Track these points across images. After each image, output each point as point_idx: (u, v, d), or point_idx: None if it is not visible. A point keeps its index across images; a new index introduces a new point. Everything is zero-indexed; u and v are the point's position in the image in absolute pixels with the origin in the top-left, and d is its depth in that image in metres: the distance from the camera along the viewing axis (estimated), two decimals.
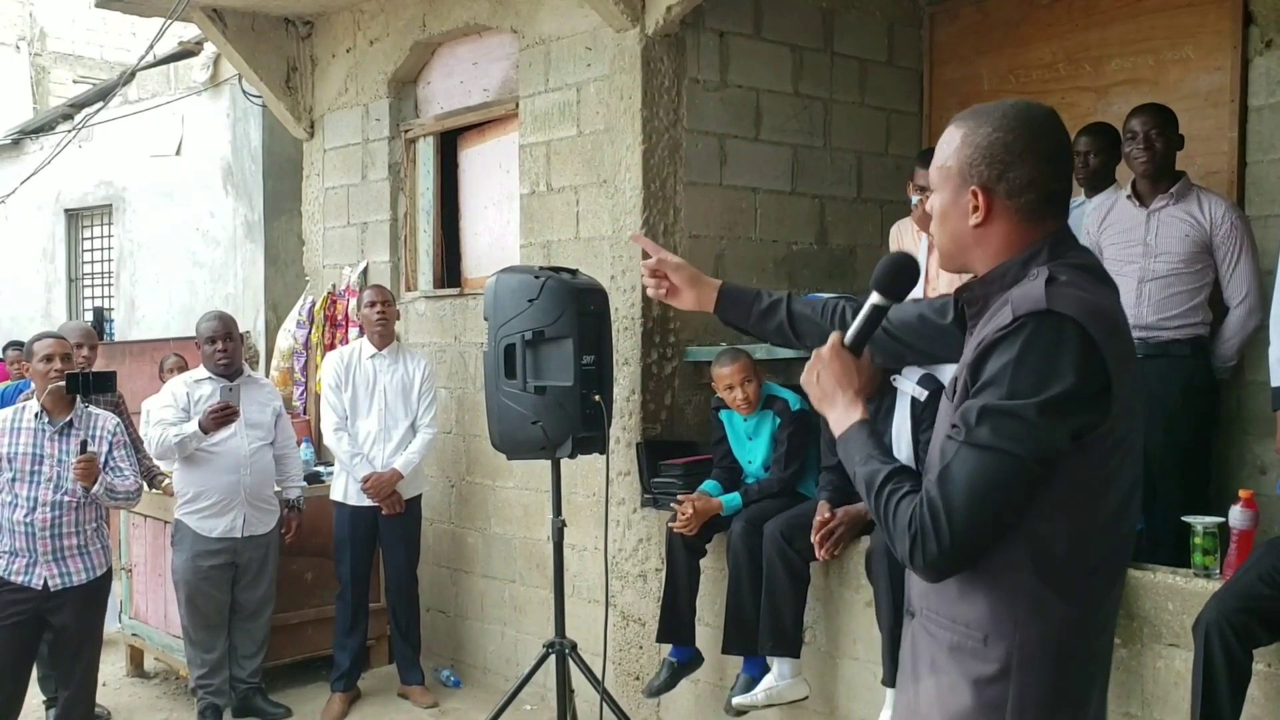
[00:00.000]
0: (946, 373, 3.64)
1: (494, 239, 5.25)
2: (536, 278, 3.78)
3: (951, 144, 1.62)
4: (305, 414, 5.90)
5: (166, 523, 4.75)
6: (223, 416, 4.30)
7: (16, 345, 6.09)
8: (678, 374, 4.38)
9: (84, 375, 3.77)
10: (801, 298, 2.07)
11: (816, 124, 4.80)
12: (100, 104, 7.81)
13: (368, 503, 4.70)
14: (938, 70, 5.13)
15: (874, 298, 1.71)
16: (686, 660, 3.87)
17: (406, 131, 5.59)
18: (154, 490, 4.90)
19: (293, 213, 6.50)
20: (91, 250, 8.88)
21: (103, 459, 3.78)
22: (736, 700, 3.61)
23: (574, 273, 3.94)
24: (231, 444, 4.49)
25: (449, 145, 5.51)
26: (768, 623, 3.52)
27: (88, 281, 8.96)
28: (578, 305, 3.75)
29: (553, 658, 3.88)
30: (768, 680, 3.55)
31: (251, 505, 4.54)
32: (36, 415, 3.75)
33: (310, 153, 6.08)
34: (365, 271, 5.70)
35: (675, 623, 3.82)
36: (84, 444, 3.71)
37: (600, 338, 3.84)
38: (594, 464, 4.18)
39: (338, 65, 5.84)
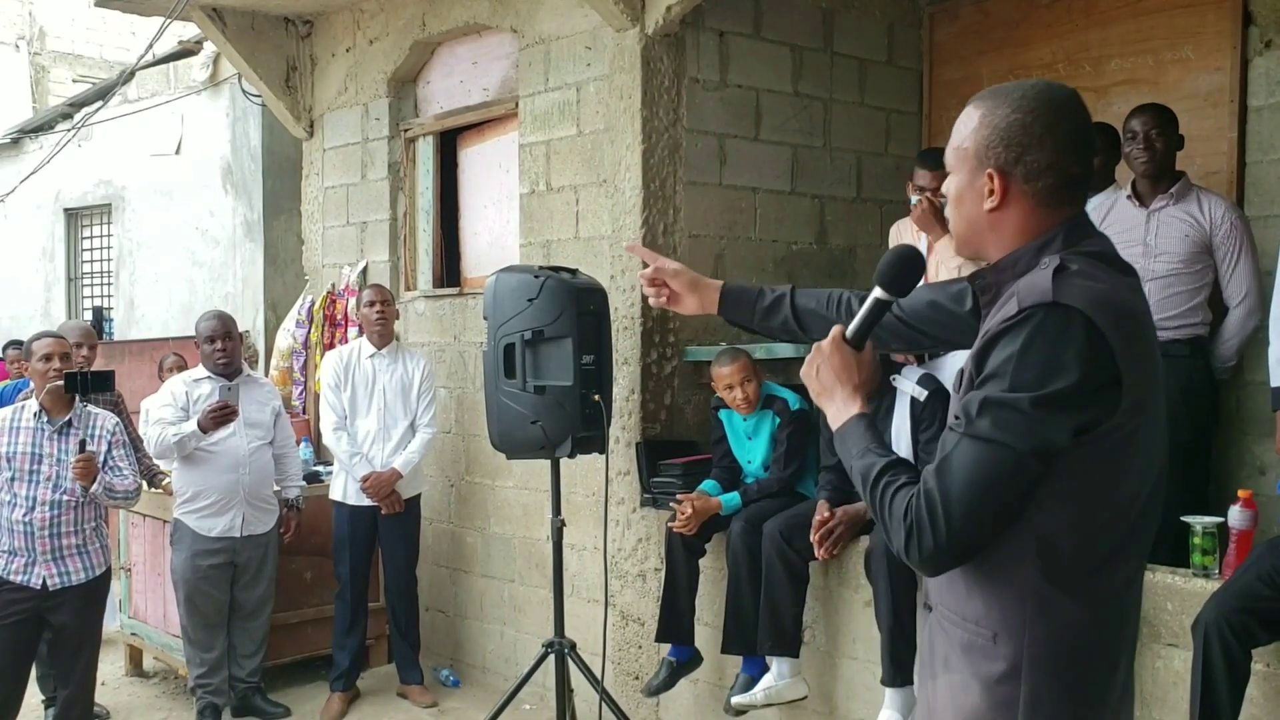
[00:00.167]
0: (946, 372, 3.64)
1: (493, 238, 5.25)
2: (536, 277, 3.78)
3: (969, 124, 1.58)
4: (304, 413, 5.90)
5: (165, 522, 4.75)
6: (221, 416, 4.30)
7: (16, 344, 6.08)
8: (677, 373, 4.38)
9: (82, 374, 3.77)
10: (804, 291, 2.04)
11: (816, 124, 4.80)
12: (100, 103, 7.81)
13: (367, 502, 4.70)
14: (937, 70, 5.13)
15: (877, 292, 1.68)
16: (686, 660, 3.87)
17: (406, 131, 5.59)
18: (153, 489, 4.90)
19: (292, 212, 6.50)
20: (91, 249, 8.88)
21: (101, 458, 3.78)
22: (735, 700, 3.61)
23: (573, 272, 3.94)
24: (230, 443, 4.49)
25: (449, 145, 5.51)
26: (767, 622, 3.52)
27: (87, 281, 8.95)
28: (577, 305, 3.75)
29: (552, 657, 3.88)
30: (767, 680, 3.55)
31: (250, 504, 4.54)
32: (36, 414, 3.75)
33: (310, 152, 6.08)
34: (365, 271, 5.70)
35: (674, 622, 3.82)
36: (83, 443, 3.71)
37: (600, 337, 3.84)
38: (593, 463, 4.18)
39: (337, 64, 5.84)
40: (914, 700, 3.24)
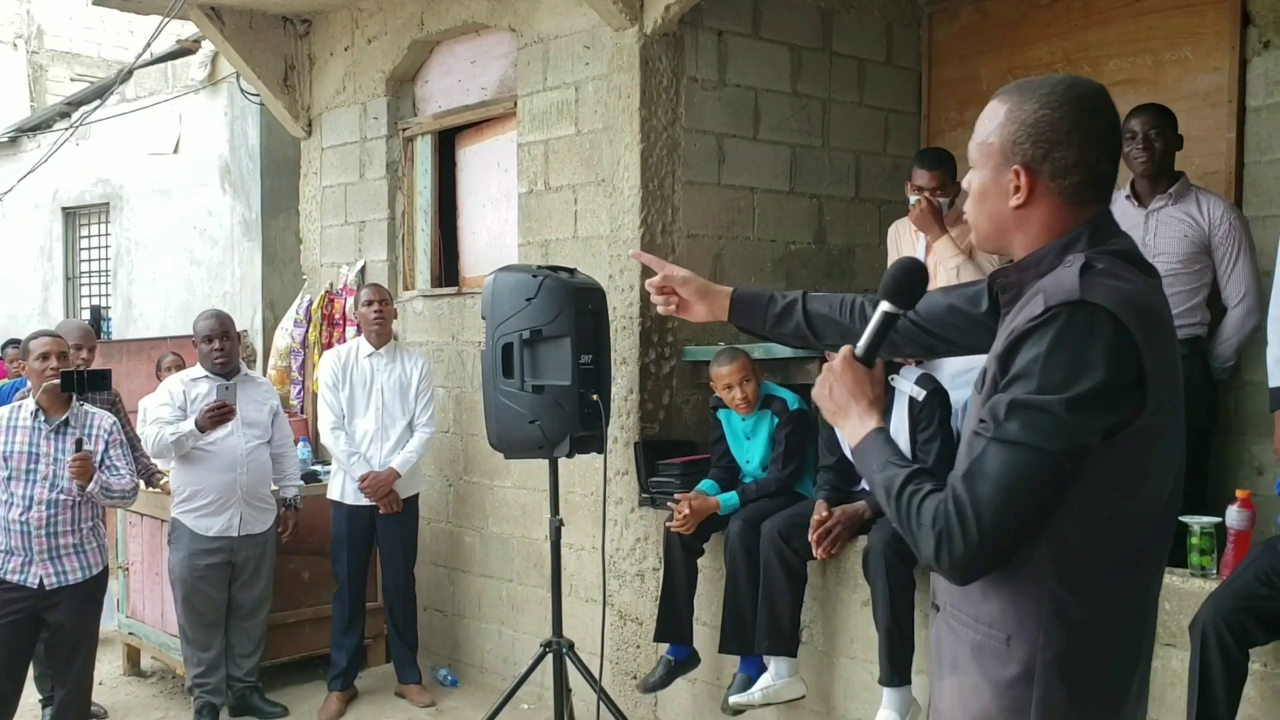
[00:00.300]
0: (945, 372, 3.64)
1: (492, 238, 5.25)
2: (534, 277, 3.78)
3: (994, 119, 1.55)
4: (302, 413, 5.89)
5: (163, 521, 4.75)
6: (219, 415, 4.30)
7: (14, 343, 6.07)
8: (676, 373, 4.38)
9: (79, 373, 3.77)
10: (815, 295, 2.00)
11: (815, 123, 4.80)
12: (97, 102, 7.80)
13: (365, 502, 4.70)
14: (936, 70, 5.13)
15: (884, 305, 1.65)
16: (684, 659, 3.86)
17: (404, 130, 5.59)
18: (151, 489, 4.89)
19: (290, 211, 6.49)
20: (89, 248, 8.87)
21: (99, 458, 3.77)
22: (733, 699, 3.60)
23: (572, 272, 3.94)
24: (228, 443, 4.48)
25: (447, 144, 5.50)
26: (765, 622, 3.51)
27: (85, 280, 8.95)
28: (575, 304, 3.75)
29: (550, 657, 3.88)
30: (765, 679, 3.55)
31: (248, 504, 4.53)
32: (33, 414, 3.75)
33: (308, 151, 6.08)
34: (363, 270, 5.70)
35: (673, 622, 3.82)
36: (79, 442, 3.70)
37: (598, 337, 3.84)
38: (592, 463, 4.18)
39: (335, 64, 5.83)
40: (911, 700, 3.25)
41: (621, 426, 4.28)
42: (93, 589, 3.85)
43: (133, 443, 4.54)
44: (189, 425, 4.33)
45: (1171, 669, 2.87)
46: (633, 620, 4.27)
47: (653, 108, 4.26)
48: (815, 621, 3.68)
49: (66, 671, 3.89)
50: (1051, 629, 1.47)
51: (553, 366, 3.73)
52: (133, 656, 5.39)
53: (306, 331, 5.89)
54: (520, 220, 4.83)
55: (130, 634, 5.29)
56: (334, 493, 4.80)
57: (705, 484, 3.88)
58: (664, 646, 3.89)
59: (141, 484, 4.66)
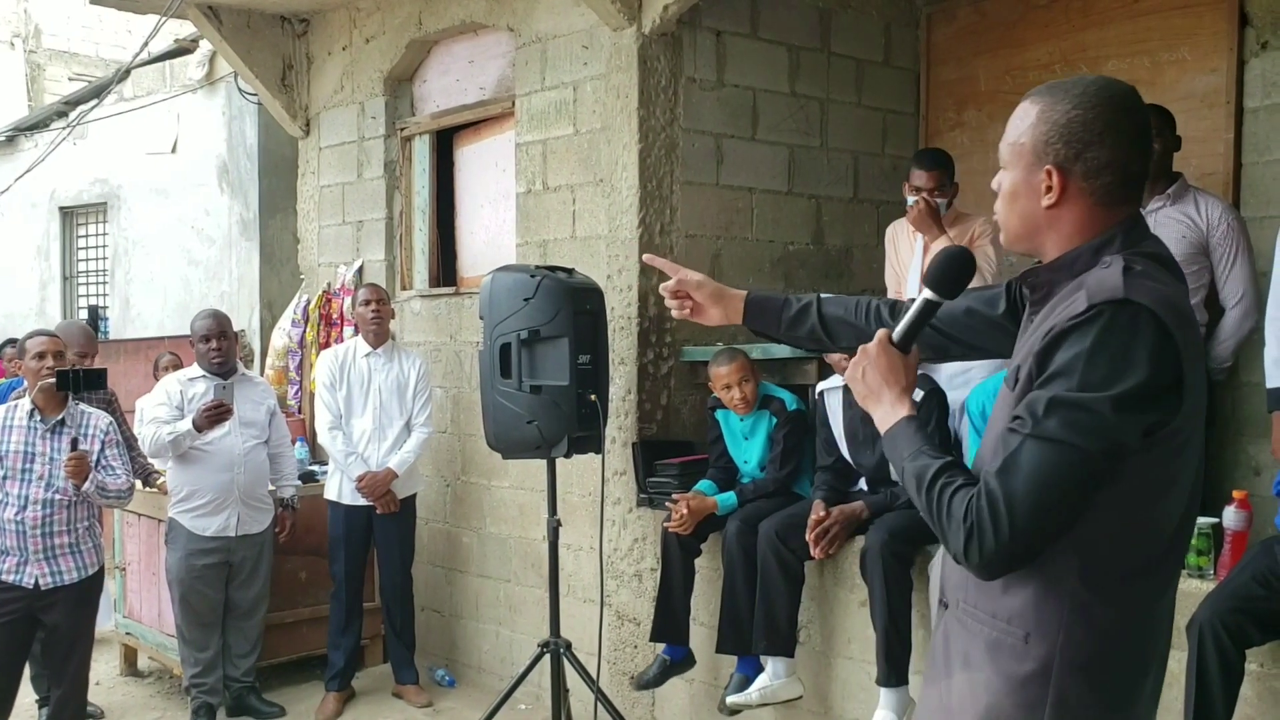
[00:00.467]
0: (943, 372, 3.64)
1: (490, 238, 5.25)
2: (532, 277, 3.77)
3: (1026, 119, 1.55)
4: (300, 413, 5.89)
5: (160, 521, 4.74)
6: (216, 414, 4.29)
7: (11, 343, 6.06)
8: (674, 373, 4.38)
9: (74, 372, 3.76)
10: (830, 298, 2.00)
11: (813, 124, 4.80)
12: (95, 101, 7.79)
13: (362, 502, 4.69)
14: (934, 71, 5.13)
15: (926, 293, 1.65)
16: (679, 659, 3.86)
17: (402, 130, 5.58)
18: (148, 489, 4.89)
19: (288, 211, 6.48)
20: (86, 248, 8.86)
21: (95, 457, 3.77)
22: (731, 699, 3.60)
23: (570, 272, 3.94)
24: (225, 442, 4.47)
25: (445, 143, 5.50)
26: (762, 622, 3.51)
27: (82, 279, 8.94)
28: (573, 304, 3.75)
29: (547, 657, 3.87)
30: (762, 679, 3.55)
31: (245, 504, 4.53)
32: (29, 413, 3.74)
33: (306, 151, 6.07)
34: (360, 270, 5.69)
35: (669, 622, 3.82)
36: (75, 442, 3.70)
37: (596, 337, 3.84)
38: (589, 463, 4.18)
39: (333, 63, 5.83)
40: (909, 700, 3.24)
41: (619, 427, 4.28)
42: (88, 589, 3.84)
43: (129, 442, 4.53)
44: (186, 425, 4.32)
45: (1168, 669, 2.86)
46: (630, 620, 4.27)
47: (651, 108, 4.26)
48: (813, 621, 3.68)
49: (62, 672, 3.88)
50: (1073, 628, 1.47)
51: (550, 367, 3.73)
52: (130, 656, 5.39)
53: (304, 331, 5.88)
54: (518, 220, 4.83)
55: (127, 634, 5.28)
56: (331, 493, 4.79)
57: (703, 484, 3.88)
58: (660, 646, 3.89)
59: (138, 484, 4.65)
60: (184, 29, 7.33)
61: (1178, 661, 2.78)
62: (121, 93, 8.16)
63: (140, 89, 8.29)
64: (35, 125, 9.20)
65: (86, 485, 3.69)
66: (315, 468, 5.38)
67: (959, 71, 5.02)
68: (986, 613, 1.54)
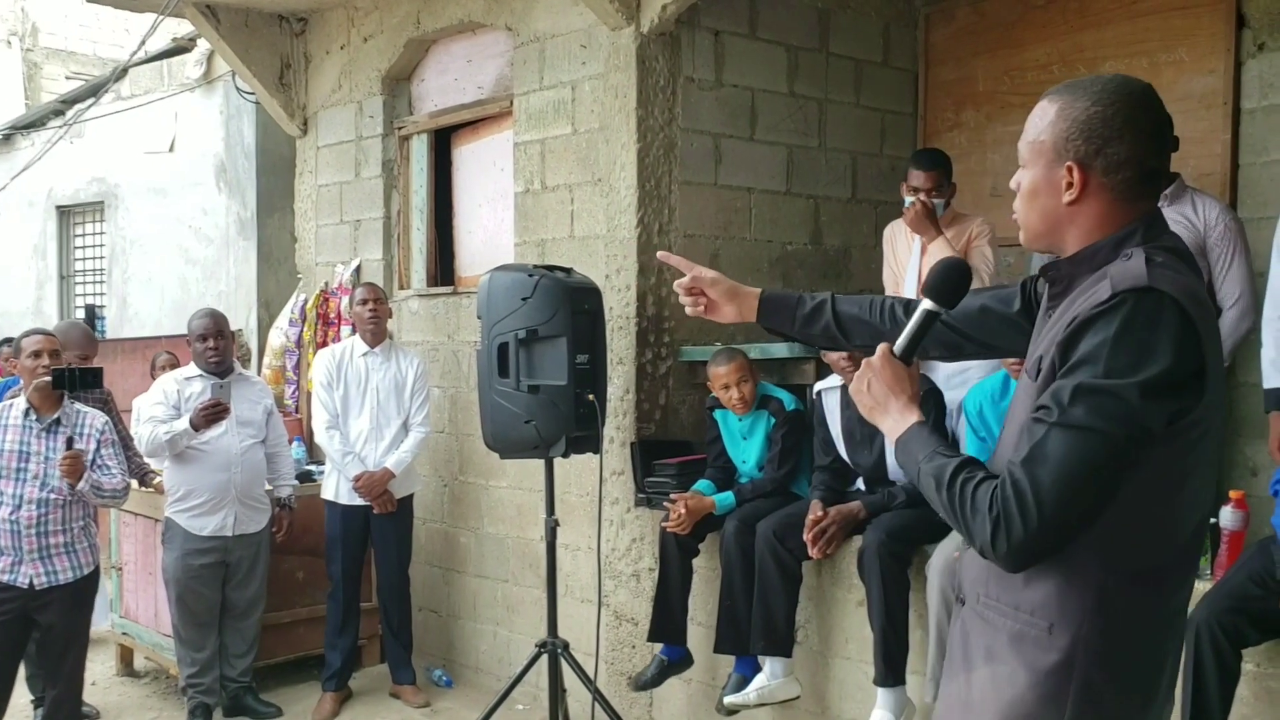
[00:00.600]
0: (940, 372, 3.65)
1: (488, 237, 5.24)
2: (530, 276, 3.77)
3: (1045, 118, 1.58)
4: (297, 412, 5.88)
5: (157, 521, 4.73)
6: (213, 413, 4.28)
7: (7, 342, 6.06)
8: (672, 373, 4.38)
9: (70, 371, 3.75)
10: (844, 297, 2.01)
11: (811, 124, 4.80)
12: (92, 100, 7.78)
13: (359, 502, 4.69)
14: (933, 71, 5.13)
15: (926, 303, 1.67)
16: (677, 659, 3.86)
17: (400, 129, 5.58)
18: (144, 488, 4.88)
19: (286, 210, 6.48)
20: (83, 247, 8.85)
21: (90, 457, 3.76)
22: (728, 699, 3.60)
23: (568, 271, 3.94)
24: (222, 442, 4.47)
25: (443, 143, 5.50)
26: (760, 622, 3.51)
27: (79, 279, 8.92)
28: (572, 304, 3.74)
29: (545, 657, 3.87)
30: (759, 679, 3.55)
31: (242, 504, 4.52)
32: (24, 412, 3.73)
33: (303, 150, 6.07)
34: (358, 269, 5.69)
35: (667, 622, 3.82)
36: (70, 441, 3.69)
37: (594, 337, 3.84)
38: (588, 463, 4.17)
39: (331, 62, 5.82)
40: (906, 700, 3.24)
41: (618, 426, 4.28)
42: (84, 589, 3.84)
43: (125, 442, 4.52)
44: (183, 424, 4.31)
45: None
46: (628, 620, 4.27)
47: (649, 107, 4.26)
48: (810, 621, 3.68)
49: (58, 672, 3.88)
50: (1095, 618, 1.47)
51: (549, 366, 3.72)
52: (126, 657, 5.38)
53: (301, 331, 5.87)
54: (516, 219, 4.83)
55: (124, 634, 5.27)
56: (328, 493, 4.79)
57: (701, 484, 3.88)
58: (659, 646, 3.89)
59: (134, 483, 4.65)
60: (182, 28, 7.33)
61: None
62: (119, 91, 8.15)
63: (138, 88, 8.27)
64: (32, 124, 9.19)
65: (81, 484, 3.69)
66: (312, 467, 5.37)
67: (957, 72, 5.03)
68: (1009, 605, 1.54)
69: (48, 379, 3.71)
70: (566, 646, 3.89)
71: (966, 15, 5.00)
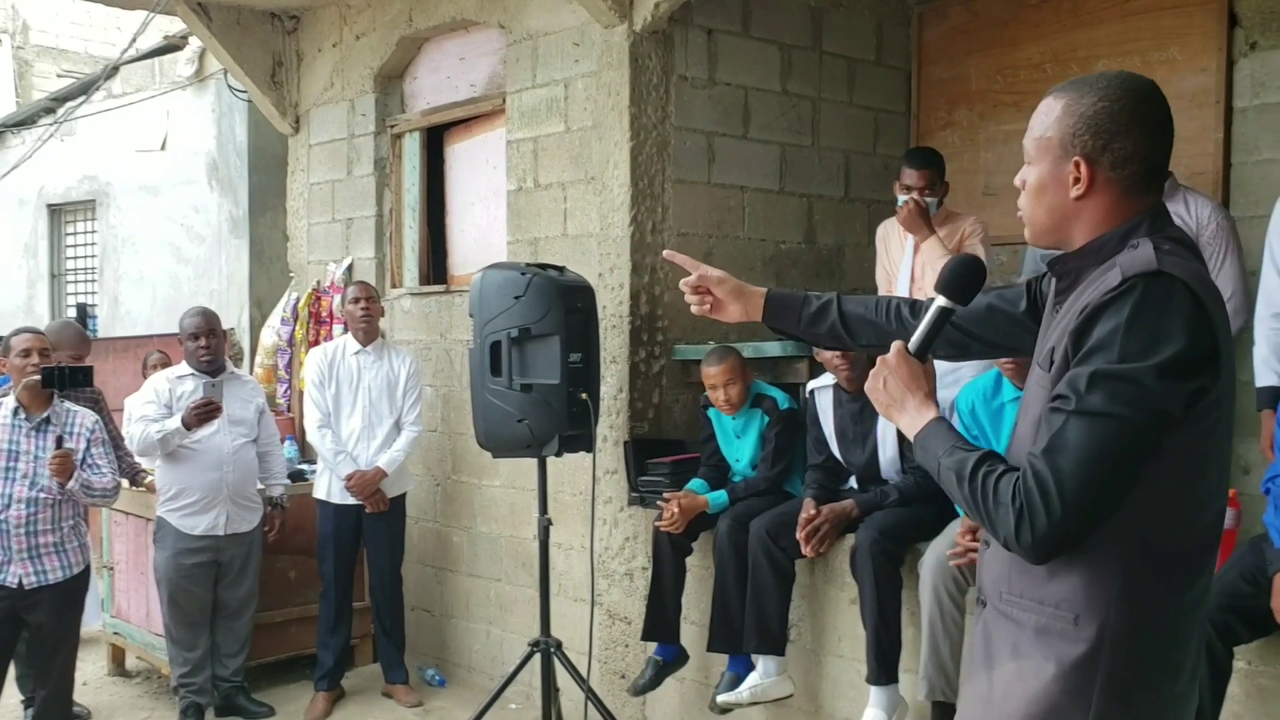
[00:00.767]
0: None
1: (481, 235, 5.23)
2: (523, 274, 3.76)
3: (1051, 114, 1.59)
4: (289, 411, 5.86)
5: (148, 520, 4.72)
6: (205, 412, 4.27)
7: None
8: (665, 372, 4.37)
9: (60, 370, 3.74)
10: (850, 297, 2.01)
11: (805, 123, 4.80)
12: (83, 98, 7.75)
13: (351, 501, 4.67)
14: (926, 70, 5.13)
15: (940, 300, 1.67)
16: (671, 659, 3.86)
17: (392, 127, 5.56)
18: (136, 488, 4.86)
19: (278, 208, 6.46)
20: (75, 246, 8.82)
21: (80, 456, 3.74)
22: (721, 698, 3.60)
23: (561, 270, 3.93)
24: (214, 441, 4.45)
25: (435, 141, 5.48)
26: (753, 621, 3.51)
27: (71, 277, 8.89)
28: (564, 302, 3.74)
29: (538, 656, 3.87)
30: (753, 678, 3.54)
31: (234, 503, 4.50)
32: (13, 411, 3.72)
33: (295, 148, 6.05)
34: (350, 268, 5.67)
35: (660, 621, 3.81)
36: (60, 440, 3.67)
37: (587, 335, 3.83)
38: (581, 462, 4.17)
39: (324, 60, 5.81)
40: (898, 698, 3.25)
41: (611, 425, 4.27)
42: (73, 588, 3.82)
43: (116, 441, 4.50)
44: (175, 423, 4.30)
45: None
46: (621, 619, 4.27)
47: (642, 105, 4.25)
48: (803, 620, 3.68)
49: (48, 672, 3.86)
50: (1120, 606, 1.48)
51: (541, 365, 3.72)
52: (117, 656, 5.36)
53: (293, 329, 5.86)
54: (509, 218, 4.82)
55: (115, 634, 5.26)
56: (320, 492, 4.77)
57: (694, 483, 3.88)
58: (652, 645, 3.89)
59: (125, 483, 4.63)
60: (173, 26, 7.30)
61: None
62: (110, 89, 8.12)
63: (129, 86, 8.25)
64: (23, 122, 9.15)
65: (71, 484, 3.67)
66: (304, 466, 5.35)
67: (950, 71, 5.03)
68: (1034, 600, 1.54)
69: (37, 378, 3.69)
70: (559, 645, 3.88)
71: (959, 14, 5.00)
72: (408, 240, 5.56)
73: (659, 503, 3.83)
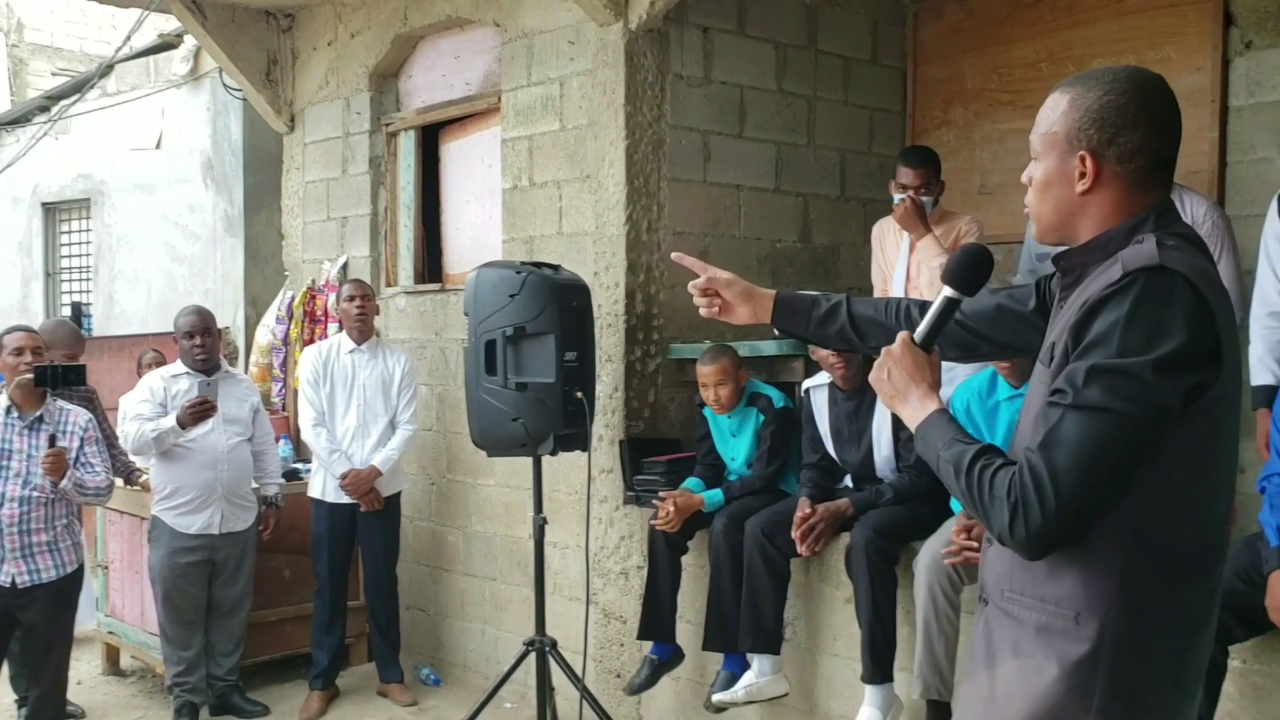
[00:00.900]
0: None
1: (476, 234, 5.22)
2: (518, 273, 3.76)
3: (1057, 109, 1.58)
4: (284, 410, 5.85)
5: (143, 519, 4.70)
6: (200, 411, 4.26)
7: None
8: (661, 371, 4.37)
9: (52, 368, 3.73)
10: (860, 299, 2.00)
11: (800, 121, 4.79)
12: (78, 96, 7.73)
13: (346, 500, 4.67)
14: (921, 69, 5.13)
15: (946, 291, 1.66)
16: (667, 658, 3.85)
17: (387, 125, 5.55)
18: (130, 487, 4.85)
19: (273, 207, 6.45)
20: (69, 244, 8.79)
21: (73, 454, 3.73)
22: (717, 697, 3.60)
23: (556, 268, 3.92)
24: (209, 440, 4.44)
25: (430, 139, 5.47)
26: (748, 619, 3.51)
27: (65, 276, 8.87)
28: (559, 301, 3.73)
29: (533, 655, 3.86)
30: (748, 677, 3.54)
31: (229, 501, 4.49)
32: (6, 409, 3.71)
33: (290, 146, 6.04)
34: (345, 266, 5.66)
35: (656, 620, 3.81)
36: (53, 438, 3.66)
37: (583, 334, 3.82)
38: (576, 461, 4.16)
39: (319, 58, 5.80)
40: (894, 697, 3.24)
41: (606, 424, 4.27)
42: (67, 587, 3.81)
43: (110, 440, 4.49)
44: (170, 422, 4.28)
45: None
46: (617, 618, 4.26)
47: (638, 104, 4.25)
48: (798, 619, 3.68)
49: (41, 671, 3.85)
50: (1122, 605, 1.46)
51: (537, 363, 3.71)
52: (112, 656, 5.35)
53: (288, 328, 5.84)
54: (504, 216, 4.81)
55: (110, 633, 5.24)
56: (315, 490, 4.77)
57: (690, 481, 3.87)
58: (647, 644, 3.88)
59: (119, 482, 4.62)
60: (168, 24, 7.28)
61: None
62: (105, 88, 8.09)
63: (124, 84, 8.22)
64: (17, 120, 9.12)
65: (64, 482, 3.66)
66: (299, 465, 5.35)
67: (946, 70, 5.03)
68: (1034, 597, 1.53)
69: (30, 376, 3.68)
70: (554, 645, 3.88)
71: (955, 13, 5.00)
72: (403, 239, 5.55)
73: (654, 501, 3.83)
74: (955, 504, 3.22)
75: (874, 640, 3.23)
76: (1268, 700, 2.74)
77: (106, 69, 7.60)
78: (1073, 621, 1.48)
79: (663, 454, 4.17)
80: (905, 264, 3.90)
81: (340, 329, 4.99)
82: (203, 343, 4.46)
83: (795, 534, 3.43)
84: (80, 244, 8.64)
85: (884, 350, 1.67)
